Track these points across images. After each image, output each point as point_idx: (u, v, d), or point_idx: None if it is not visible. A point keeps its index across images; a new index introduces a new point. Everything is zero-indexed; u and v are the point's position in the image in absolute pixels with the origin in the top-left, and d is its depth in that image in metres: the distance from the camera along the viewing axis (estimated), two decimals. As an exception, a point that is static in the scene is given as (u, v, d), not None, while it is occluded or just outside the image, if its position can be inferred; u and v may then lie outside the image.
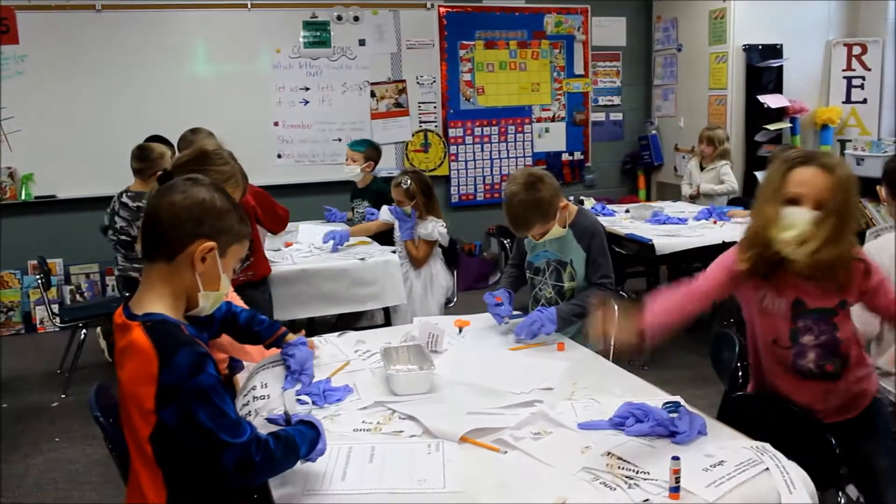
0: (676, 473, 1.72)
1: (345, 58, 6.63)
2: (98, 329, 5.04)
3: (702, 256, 5.37)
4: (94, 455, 3.90)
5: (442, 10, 6.87)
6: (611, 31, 7.48)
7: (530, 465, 1.88)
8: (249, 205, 3.58)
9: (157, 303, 1.69)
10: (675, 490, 1.72)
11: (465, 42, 6.99)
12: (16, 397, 4.68)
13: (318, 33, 6.54)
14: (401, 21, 6.74)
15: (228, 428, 1.60)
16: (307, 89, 6.57)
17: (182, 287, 1.73)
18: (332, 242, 4.38)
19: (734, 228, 5.00)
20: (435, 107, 6.97)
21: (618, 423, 2.06)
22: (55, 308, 4.94)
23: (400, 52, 6.79)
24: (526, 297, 3.28)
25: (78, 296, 6.18)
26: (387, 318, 4.40)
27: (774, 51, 6.58)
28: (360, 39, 6.65)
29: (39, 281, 4.73)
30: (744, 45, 6.53)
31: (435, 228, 4.39)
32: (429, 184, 4.48)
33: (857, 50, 6.66)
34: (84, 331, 4.75)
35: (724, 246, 4.73)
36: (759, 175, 6.41)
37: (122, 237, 4.46)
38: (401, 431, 2.06)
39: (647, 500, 1.71)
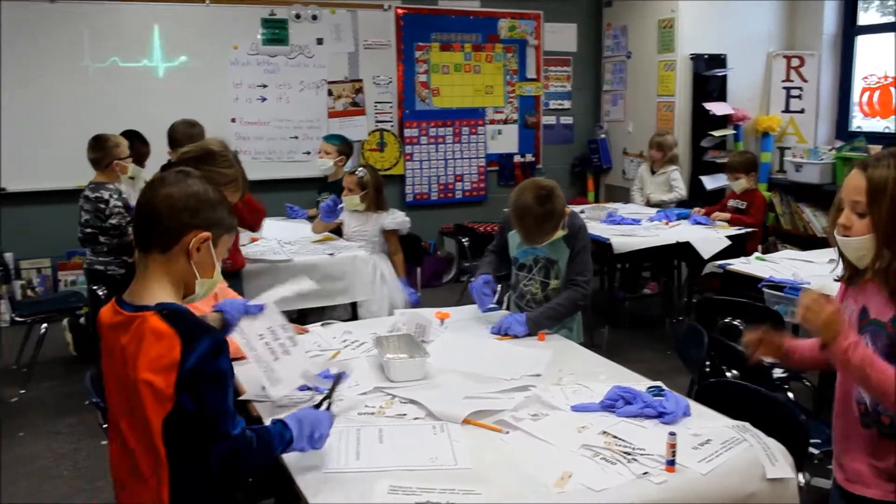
0: (673, 448, 1.85)
1: (303, 56, 6.65)
2: (65, 322, 4.96)
3: (655, 256, 5.61)
4: (61, 449, 3.86)
5: (399, 11, 6.95)
6: (562, 36, 7.66)
7: (533, 444, 1.99)
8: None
9: (161, 292, 1.71)
10: (671, 463, 1.85)
11: (421, 44, 7.08)
12: (-29, 393, 4.60)
13: (277, 31, 6.55)
14: (359, 21, 6.80)
15: (228, 417, 1.64)
16: (265, 86, 6.57)
17: (179, 276, 1.76)
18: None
19: (685, 229, 5.21)
20: (391, 107, 7.04)
21: (608, 406, 2.19)
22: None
23: (357, 51, 6.84)
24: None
25: (29, 291, 6.06)
26: (353, 312, 4.45)
27: (719, 60, 6.84)
28: (318, 38, 6.68)
29: (-1, 274, 4.66)
30: (691, 55, 6.76)
31: (402, 217, 4.54)
32: (381, 181, 4.63)
33: (795, 62, 6.97)
34: (44, 326, 4.67)
35: (678, 245, 4.97)
36: (705, 179, 6.68)
37: (87, 230, 4.40)
38: (404, 414, 2.15)
39: (645, 472, 1.83)
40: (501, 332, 2.88)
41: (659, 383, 2.36)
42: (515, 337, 2.86)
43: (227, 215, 1.84)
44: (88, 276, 4.48)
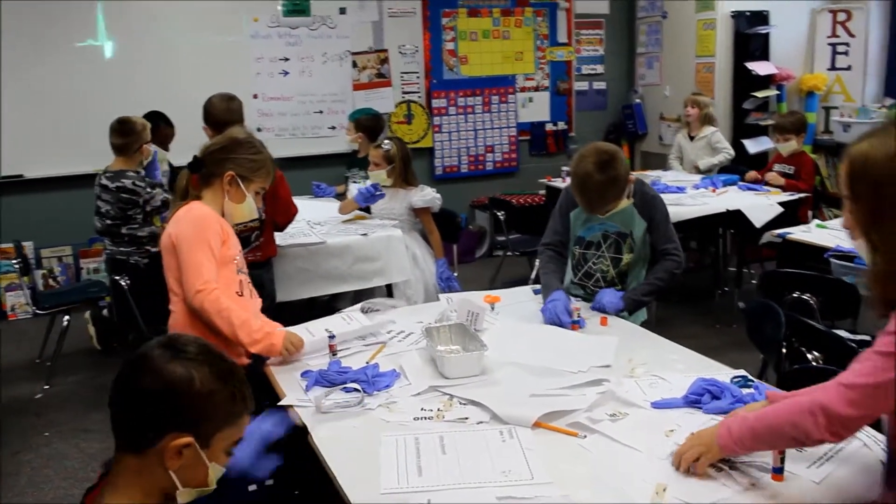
0: (781, 454, 1.60)
1: (325, 27, 6.38)
2: (87, 314, 4.77)
3: (700, 225, 5.32)
4: (89, 449, 3.67)
5: (424, -24, 6.66)
6: (594, -2, 7.34)
7: (616, 451, 1.75)
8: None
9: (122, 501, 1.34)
10: (778, 471, 1.61)
11: (447, 10, 6.79)
12: (-4, 389, 4.42)
13: (297, 2, 6.27)
14: (383, -12, 6.52)
15: None
16: (286, 60, 6.31)
17: (154, 485, 1.36)
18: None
19: (734, 196, 4.93)
20: (418, 77, 6.77)
21: (693, 401, 1.95)
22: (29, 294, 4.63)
23: (381, 20, 6.55)
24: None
25: (51, 280, 5.88)
26: (389, 294, 4.22)
27: (761, 17, 6.50)
28: (340, 8, 6.40)
29: (17, 266, 4.45)
30: (732, 12, 6.43)
31: (432, 194, 4.27)
32: (409, 155, 4.37)
33: (842, 16, 6.60)
34: (67, 317, 4.48)
35: (728, 214, 4.68)
36: (747, 143, 6.36)
37: (107, 222, 4.16)
38: (466, 418, 1.92)
39: (753, 483, 1.59)
40: (599, 307, 2.72)
41: (744, 372, 2.12)
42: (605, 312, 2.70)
43: (228, 403, 1.38)
44: (110, 266, 4.25)
